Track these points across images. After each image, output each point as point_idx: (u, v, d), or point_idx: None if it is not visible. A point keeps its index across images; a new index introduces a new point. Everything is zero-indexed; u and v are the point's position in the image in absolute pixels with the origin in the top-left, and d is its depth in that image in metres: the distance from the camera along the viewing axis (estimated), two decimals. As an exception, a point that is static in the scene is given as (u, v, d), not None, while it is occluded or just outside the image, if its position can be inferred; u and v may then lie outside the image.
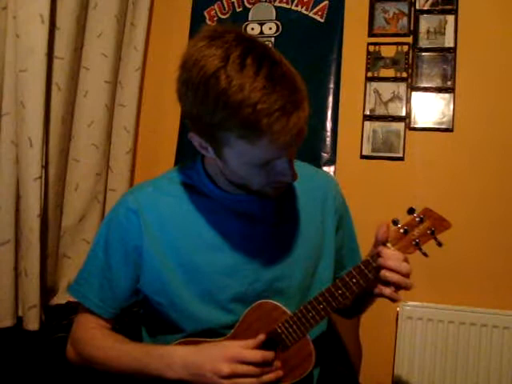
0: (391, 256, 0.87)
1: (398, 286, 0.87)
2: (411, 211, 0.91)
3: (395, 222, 0.91)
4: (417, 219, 0.91)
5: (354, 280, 0.90)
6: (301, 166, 1.08)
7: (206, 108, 0.78)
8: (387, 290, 0.87)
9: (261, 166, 0.84)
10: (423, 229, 0.91)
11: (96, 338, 0.97)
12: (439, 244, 0.90)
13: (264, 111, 0.74)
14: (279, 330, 0.92)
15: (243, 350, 0.87)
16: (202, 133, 0.84)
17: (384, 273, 0.86)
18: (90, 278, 0.99)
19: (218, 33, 0.79)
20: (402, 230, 0.91)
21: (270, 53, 0.79)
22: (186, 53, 0.80)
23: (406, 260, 0.88)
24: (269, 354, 0.88)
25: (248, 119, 0.74)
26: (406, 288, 0.87)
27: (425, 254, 0.91)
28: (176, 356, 0.88)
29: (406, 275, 0.86)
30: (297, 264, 1.00)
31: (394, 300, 0.88)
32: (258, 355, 0.86)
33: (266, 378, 0.87)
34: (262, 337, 0.90)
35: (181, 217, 0.96)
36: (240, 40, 0.78)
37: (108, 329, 1.00)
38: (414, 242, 0.90)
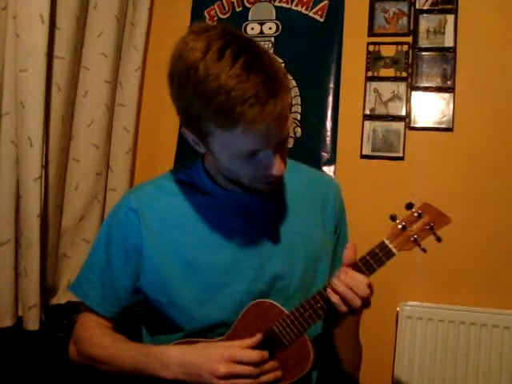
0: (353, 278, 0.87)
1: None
2: (409, 206, 0.90)
3: (393, 218, 0.90)
4: (415, 214, 0.90)
5: None
6: (304, 169, 1.09)
7: (186, 99, 0.79)
8: (335, 297, 0.86)
9: (245, 158, 0.84)
10: (422, 224, 0.90)
11: (95, 337, 0.97)
12: (438, 239, 0.89)
13: (238, 98, 0.74)
14: (276, 330, 0.92)
15: (240, 350, 0.87)
16: (190, 126, 0.85)
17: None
18: (91, 277, 0.99)
19: (205, 28, 0.81)
20: (399, 226, 0.90)
21: (252, 46, 0.79)
22: (174, 48, 0.82)
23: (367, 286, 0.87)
24: (266, 354, 0.88)
25: (223, 106, 0.75)
26: (353, 308, 0.86)
27: (423, 250, 0.90)
28: (172, 355, 0.88)
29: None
30: (297, 264, 0.99)
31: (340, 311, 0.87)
32: (255, 355, 0.86)
33: (264, 378, 0.87)
34: (259, 336, 0.90)
35: (181, 215, 0.96)
36: (223, 34, 0.79)
37: (109, 328, 1.00)
38: (412, 238, 0.89)
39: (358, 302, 0.85)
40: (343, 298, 0.86)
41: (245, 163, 0.85)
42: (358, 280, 0.86)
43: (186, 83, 0.78)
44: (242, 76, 0.74)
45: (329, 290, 0.88)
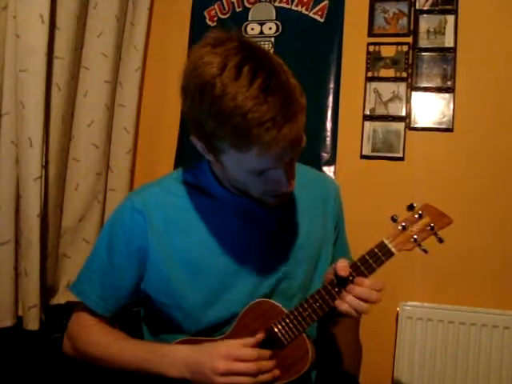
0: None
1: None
2: (410, 207, 0.91)
3: (394, 219, 0.91)
4: (416, 215, 0.91)
5: (351, 278, 0.90)
6: (304, 170, 1.09)
7: (201, 114, 0.79)
8: (344, 306, 0.87)
9: (256, 175, 0.84)
10: (422, 225, 0.90)
11: (94, 335, 0.97)
12: (440, 240, 0.90)
13: (254, 121, 0.74)
14: (276, 329, 0.92)
15: (240, 347, 0.87)
16: (201, 138, 0.84)
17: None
18: (91, 277, 0.99)
19: (221, 40, 0.79)
20: (399, 227, 0.90)
21: (269, 63, 0.78)
22: (189, 59, 0.81)
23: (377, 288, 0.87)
24: (265, 353, 0.88)
25: (238, 128, 0.75)
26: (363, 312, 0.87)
27: (424, 251, 0.90)
28: (178, 354, 0.88)
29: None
30: (300, 266, 1.00)
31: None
32: (253, 353, 0.86)
33: (263, 376, 0.87)
34: (260, 336, 0.90)
35: (187, 217, 0.96)
36: (241, 49, 0.77)
37: (106, 324, 1.00)
38: (412, 238, 0.90)
39: (367, 308, 0.86)
40: (354, 308, 0.87)
41: (254, 179, 0.85)
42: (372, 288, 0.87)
43: (201, 99, 0.77)
44: (259, 98, 0.73)
45: (338, 301, 0.88)
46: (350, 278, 0.89)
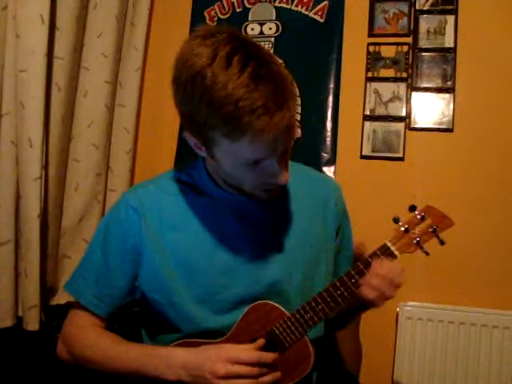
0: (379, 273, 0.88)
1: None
2: (412, 209, 0.90)
3: (396, 220, 0.91)
4: (418, 217, 0.90)
5: (353, 280, 0.89)
6: (305, 169, 1.08)
7: (192, 106, 0.78)
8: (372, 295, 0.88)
9: (249, 166, 0.83)
10: (425, 227, 0.90)
11: (90, 338, 0.96)
12: (442, 242, 0.90)
13: (246, 108, 0.73)
14: (277, 331, 0.92)
15: (240, 350, 0.87)
16: (194, 131, 0.84)
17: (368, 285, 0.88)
18: (86, 275, 0.99)
19: (211, 32, 0.79)
20: (402, 229, 0.90)
21: (260, 53, 0.78)
22: (179, 52, 0.81)
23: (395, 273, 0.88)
24: (266, 355, 0.88)
25: (230, 116, 0.74)
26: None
27: (426, 253, 0.90)
28: (175, 357, 0.88)
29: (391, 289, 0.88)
30: (296, 267, 0.99)
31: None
32: (253, 356, 0.86)
33: (264, 379, 0.87)
34: (261, 341, 0.90)
35: (181, 215, 0.96)
36: (230, 39, 0.78)
37: (101, 327, 0.99)
38: (415, 241, 0.89)
39: (393, 292, 0.88)
40: (381, 292, 0.88)
41: (247, 171, 0.85)
42: (395, 270, 0.89)
43: (193, 90, 0.77)
44: (250, 86, 0.74)
45: (364, 288, 0.88)
46: (353, 280, 0.89)
